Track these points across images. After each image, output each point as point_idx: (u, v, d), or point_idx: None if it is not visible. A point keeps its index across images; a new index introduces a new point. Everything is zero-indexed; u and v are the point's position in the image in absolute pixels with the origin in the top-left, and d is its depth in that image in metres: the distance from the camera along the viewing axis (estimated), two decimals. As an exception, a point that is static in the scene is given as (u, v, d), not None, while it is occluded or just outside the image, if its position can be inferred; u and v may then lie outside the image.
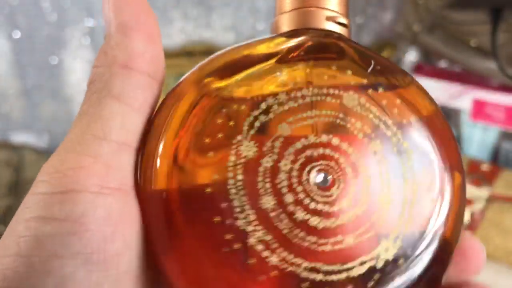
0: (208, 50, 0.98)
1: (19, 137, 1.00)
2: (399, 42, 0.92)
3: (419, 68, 0.81)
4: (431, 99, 0.16)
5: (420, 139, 0.15)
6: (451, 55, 0.77)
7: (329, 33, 0.17)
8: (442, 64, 0.85)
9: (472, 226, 0.71)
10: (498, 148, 0.75)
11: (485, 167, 0.71)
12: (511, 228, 0.69)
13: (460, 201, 0.16)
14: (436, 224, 0.15)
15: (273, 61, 0.16)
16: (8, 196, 0.84)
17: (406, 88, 0.16)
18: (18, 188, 0.85)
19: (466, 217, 0.71)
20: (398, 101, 0.15)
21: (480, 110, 0.74)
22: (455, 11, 0.77)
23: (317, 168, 0.15)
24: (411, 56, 0.93)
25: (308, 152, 0.15)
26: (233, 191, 0.14)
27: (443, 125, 0.16)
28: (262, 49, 0.16)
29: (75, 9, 0.92)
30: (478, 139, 0.76)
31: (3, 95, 0.97)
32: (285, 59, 0.16)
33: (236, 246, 0.14)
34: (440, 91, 0.77)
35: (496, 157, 0.76)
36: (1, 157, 0.91)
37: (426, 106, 0.16)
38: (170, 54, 0.95)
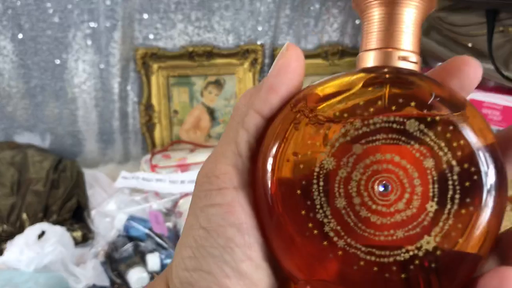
0: (209, 51, 0.99)
1: (23, 137, 1.02)
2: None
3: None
4: (483, 126, 0.20)
5: (469, 159, 0.20)
6: (447, 57, 0.78)
7: (401, 70, 0.21)
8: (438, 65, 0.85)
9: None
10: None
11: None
12: None
13: (498, 220, 0.20)
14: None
15: (356, 88, 0.21)
16: (11, 195, 0.85)
17: (459, 117, 0.20)
18: (21, 188, 0.86)
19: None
20: (450, 127, 0.20)
21: (476, 110, 0.75)
22: (451, 13, 0.78)
23: (380, 179, 0.20)
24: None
25: (374, 167, 0.20)
26: (316, 193, 0.20)
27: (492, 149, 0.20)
28: (347, 80, 0.21)
29: (78, 10, 0.93)
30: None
31: (7, 96, 0.98)
32: (366, 86, 0.21)
33: (315, 231, 0.20)
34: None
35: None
36: (4, 157, 0.92)
37: (482, 131, 0.20)
38: (172, 56, 0.96)
